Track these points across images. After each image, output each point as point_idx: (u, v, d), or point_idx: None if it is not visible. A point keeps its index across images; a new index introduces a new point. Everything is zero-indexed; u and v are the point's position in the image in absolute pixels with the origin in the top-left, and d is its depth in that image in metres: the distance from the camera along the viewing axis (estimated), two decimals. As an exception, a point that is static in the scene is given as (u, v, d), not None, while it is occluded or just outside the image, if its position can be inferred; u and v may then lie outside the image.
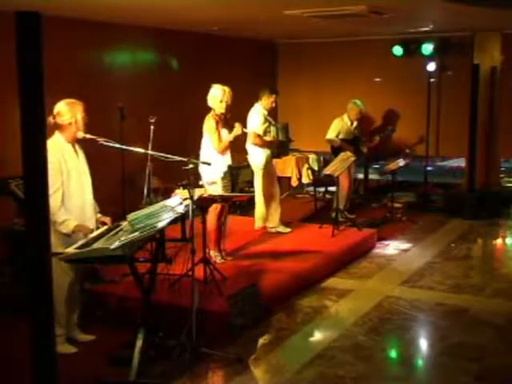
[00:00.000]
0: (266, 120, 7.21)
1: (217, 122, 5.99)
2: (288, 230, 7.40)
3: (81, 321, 4.74)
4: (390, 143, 9.87)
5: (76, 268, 4.42)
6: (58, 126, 4.36)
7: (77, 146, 4.51)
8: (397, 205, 9.05)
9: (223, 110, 6.03)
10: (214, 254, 6.07)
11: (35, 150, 2.81)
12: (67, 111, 4.35)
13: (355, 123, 8.69)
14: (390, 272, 6.63)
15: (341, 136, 8.56)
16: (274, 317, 5.26)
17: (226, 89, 6.01)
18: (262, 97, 7.25)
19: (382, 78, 10.30)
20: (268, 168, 7.26)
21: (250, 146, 7.24)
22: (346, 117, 8.64)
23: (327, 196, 9.90)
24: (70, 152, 4.41)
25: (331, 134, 8.59)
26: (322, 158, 10.31)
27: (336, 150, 8.38)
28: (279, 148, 7.47)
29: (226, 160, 6.08)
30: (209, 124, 6.00)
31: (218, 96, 5.99)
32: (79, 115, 4.39)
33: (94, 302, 5.16)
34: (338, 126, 8.60)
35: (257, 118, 7.15)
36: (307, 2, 6.33)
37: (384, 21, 7.56)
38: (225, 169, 6.04)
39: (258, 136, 7.11)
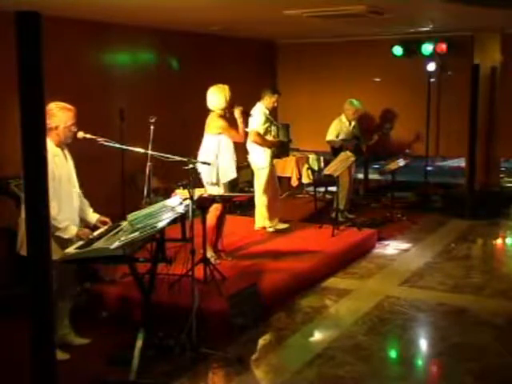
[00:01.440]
0: (267, 119, 7.22)
1: (225, 120, 6.01)
2: (286, 225, 7.42)
3: (79, 322, 4.73)
4: (389, 142, 9.87)
5: (65, 272, 4.32)
6: None
7: (66, 151, 4.38)
8: (397, 205, 9.06)
9: (228, 107, 6.03)
10: (209, 254, 6.05)
11: (35, 150, 2.81)
12: (53, 115, 4.15)
13: (353, 123, 8.69)
14: (390, 272, 6.63)
15: (341, 136, 8.56)
16: (274, 317, 5.26)
17: (222, 87, 6.00)
18: (264, 96, 7.28)
19: (382, 78, 10.29)
20: (268, 168, 7.26)
21: (250, 146, 7.25)
22: (343, 117, 8.64)
23: (327, 196, 9.90)
24: (60, 157, 4.28)
25: (331, 136, 8.58)
26: (322, 158, 10.31)
27: (336, 151, 8.38)
28: (280, 148, 7.47)
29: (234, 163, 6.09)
30: (218, 123, 5.97)
31: (217, 95, 5.99)
32: (65, 122, 4.20)
33: (94, 302, 5.17)
34: (338, 127, 8.60)
35: (258, 117, 7.16)
36: (307, 2, 6.33)
37: (384, 21, 7.56)
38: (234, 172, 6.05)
39: (259, 135, 7.12)
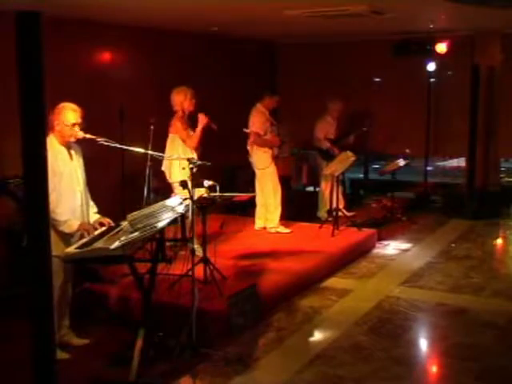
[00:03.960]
0: (267, 120, 7.22)
1: (182, 123, 6.05)
2: (287, 230, 7.40)
3: (79, 322, 4.73)
4: (388, 141, 9.84)
5: (66, 270, 4.36)
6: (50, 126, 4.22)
7: (72, 151, 4.40)
8: (397, 205, 9.05)
9: (191, 108, 6.08)
10: (197, 247, 5.91)
11: (35, 150, 2.81)
12: (57, 113, 4.22)
13: (335, 122, 8.66)
14: (390, 272, 6.63)
15: (328, 136, 8.51)
16: (274, 317, 5.27)
17: (187, 88, 6.09)
18: (265, 97, 7.28)
19: (382, 78, 10.29)
20: (269, 168, 7.26)
21: (251, 147, 7.25)
22: (328, 117, 8.59)
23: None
24: (63, 155, 4.31)
25: (320, 136, 8.52)
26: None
27: (325, 152, 8.35)
28: (280, 148, 7.48)
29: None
30: (175, 125, 6.06)
31: (182, 96, 6.05)
32: (66, 121, 4.23)
33: (94, 302, 5.17)
34: (325, 127, 8.55)
35: (258, 118, 7.16)
36: (307, 1, 6.32)
37: (384, 21, 7.56)
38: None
39: (258, 136, 7.13)
